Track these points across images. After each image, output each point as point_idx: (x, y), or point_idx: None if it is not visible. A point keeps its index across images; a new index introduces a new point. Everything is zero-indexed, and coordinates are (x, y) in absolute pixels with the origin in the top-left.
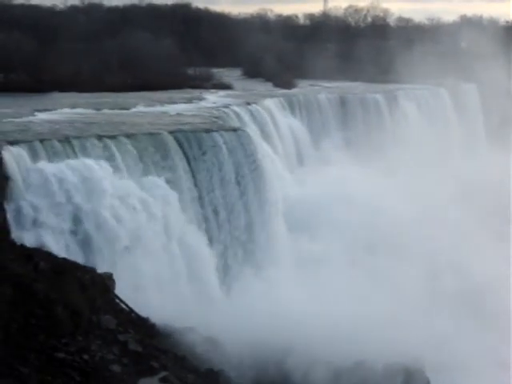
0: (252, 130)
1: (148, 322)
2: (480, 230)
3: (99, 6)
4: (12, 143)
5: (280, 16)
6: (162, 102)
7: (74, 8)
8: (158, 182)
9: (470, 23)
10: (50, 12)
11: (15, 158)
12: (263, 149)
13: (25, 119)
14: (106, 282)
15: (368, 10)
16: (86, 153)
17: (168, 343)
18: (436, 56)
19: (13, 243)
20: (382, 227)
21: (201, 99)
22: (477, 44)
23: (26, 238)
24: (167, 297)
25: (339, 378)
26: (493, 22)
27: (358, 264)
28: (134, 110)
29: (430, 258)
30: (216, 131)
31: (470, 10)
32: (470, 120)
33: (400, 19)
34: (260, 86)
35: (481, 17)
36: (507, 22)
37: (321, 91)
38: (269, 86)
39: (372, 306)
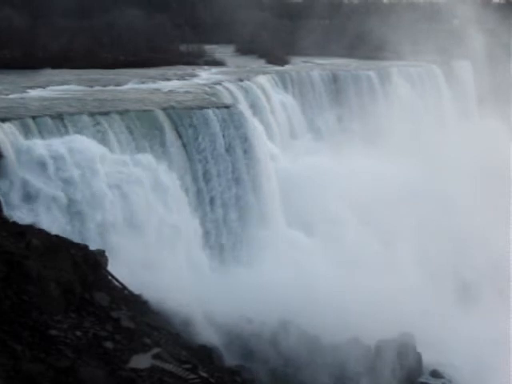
0: (244, 107)
1: (141, 299)
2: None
3: None
4: (3, 120)
5: None
6: (154, 79)
7: None
8: (150, 158)
9: (463, 0)
10: None
11: (7, 134)
12: (255, 125)
13: (17, 96)
14: (98, 259)
15: None
16: (78, 130)
17: (161, 320)
18: (429, 33)
19: (5, 220)
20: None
21: (193, 76)
22: (470, 21)
23: (18, 214)
24: (159, 273)
25: (335, 353)
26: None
27: None
28: (126, 86)
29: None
30: (208, 108)
31: None
32: (463, 96)
33: None
34: (253, 63)
35: None
36: None
37: (313, 68)
38: (261, 62)
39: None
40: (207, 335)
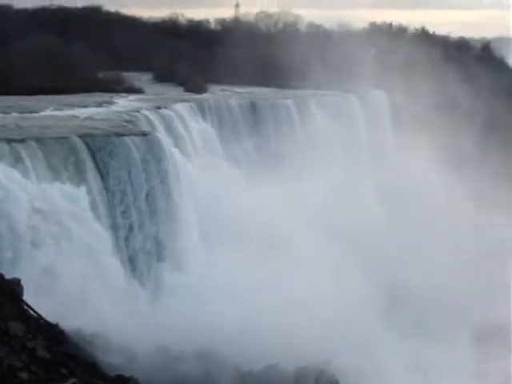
0: (162, 135)
1: (57, 329)
2: None
3: (7, 8)
4: None
5: (191, 21)
6: (71, 106)
7: None
8: (67, 186)
9: (379, 30)
10: None
11: None
12: (173, 153)
13: None
14: (14, 288)
15: (279, 16)
16: None
17: (78, 349)
18: (346, 63)
19: None
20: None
21: (111, 103)
22: (386, 51)
23: None
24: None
25: (248, 382)
26: (402, 30)
27: None
28: (43, 113)
29: None
30: (126, 135)
31: (380, 18)
32: (378, 125)
33: (311, 25)
34: (171, 91)
35: (390, 24)
36: (416, 29)
37: (232, 96)
38: (180, 90)
39: None
40: (125, 364)
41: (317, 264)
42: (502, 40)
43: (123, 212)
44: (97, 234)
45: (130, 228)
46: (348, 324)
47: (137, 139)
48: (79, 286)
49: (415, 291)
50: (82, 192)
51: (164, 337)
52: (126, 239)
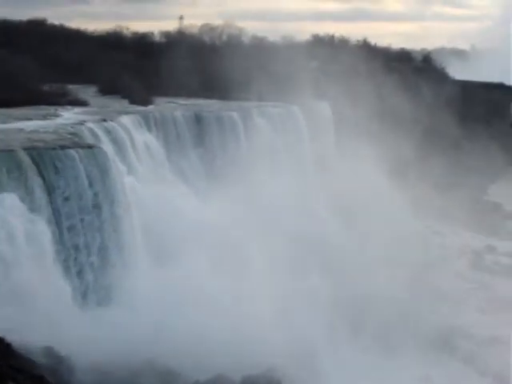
0: (107, 147)
1: (3, 342)
2: None
3: None
4: None
5: (136, 33)
6: (16, 119)
7: None
8: (11, 198)
9: (322, 42)
10: None
11: None
12: (118, 165)
13: None
14: None
15: (223, 28)
16: None
17: (26, 362)
18: (290, 74)
19: None
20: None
21: (56, 116)
22: (329, 62)
23: None
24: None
25: None
26: (344, 42)
27: None
28: None
29: None
30: (71, 148)
31: (322, 30)
32: (322, 136)
33: (255, 37)
34: (116, 103)
35: (332, 36)
36: (358, 41)
37: (177, 108)
38: (125, 103)
39: None
40: (72, 377)
41: (267, 273)
42: (442, 51)
43: (68, 226)
44: (42, 247)
45: (76, 241)
46: (296, 332)
47: (82, 152)
48: (25, 298)
49: (363, 301)
50: (26, 203)
51: (108, 349)
52: (72, 251)
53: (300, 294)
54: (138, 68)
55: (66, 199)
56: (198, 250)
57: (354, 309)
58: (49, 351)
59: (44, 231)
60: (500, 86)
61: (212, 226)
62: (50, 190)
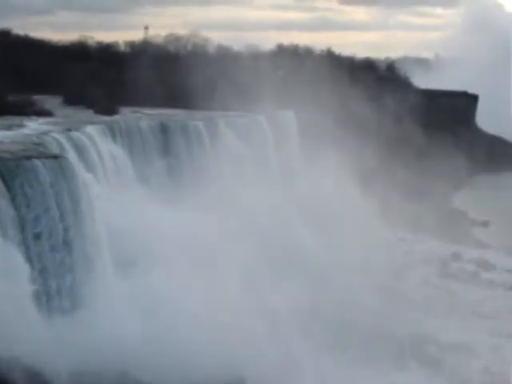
0: (73, 158)
1: None
2: None
3: None
4: None
5: (101, 43)
6: None
7: None
8: None
9: (286, 52)
10: None
11: None
12: (84, 175)
13: None
14: None
15: (188, 38)
16: None
17: None
18: (254, 83)
19: None
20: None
21: (21, 126)
22: (293, 71)
23: None
24: None
25: None
26: (308, 51)
27: None
28: None
29: None
30: (37, 158)
31: (287, 39)
32: (288, 145)
33: (219, 47)
34: (81, 113)
35: (297, 46)
36: (322, 50)
37: (142, 118)
38: (90, 113)
39: None
40: None
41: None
42: (406, 60)
43: (35, 235)
44: (8, 256)
45: (42, 251)
46: (264, 342)
47: (47, 162)
48: None
49: (332, 308)
50: None
51: (74, 359)
52: (38, 262)
53: (267, 304)
54: (103, 78)
55: (32, 209)
56: (163, 259)
57: (323, 316)
58: (14, 361)
59: (10, 241)
60: (464, 95)
61: (178, 235)
62: (14, 200)
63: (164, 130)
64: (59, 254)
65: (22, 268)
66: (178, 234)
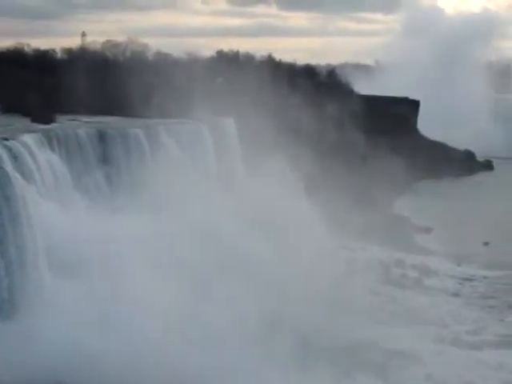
0: (9, 167)
1: None
2: None
3: None
4: None
5: (37, 50)
6: None
7: None
8: None
9: (226, 58)
10: None
11: None
12: (21, 185)
13: None
14: None
15: (126, 45)
16: None
17: None
18: (194, 90)
19: None
20: None
21: None
22: (234, 78)
23: None
24: None
25: None
26: (249, 57)
27: None
28: None
29: None
30: None
31: (227, 46)
32: (229, 153)
33: (158, 53)
34: (17, 122)
35: (237, 52)
36: (262, 56)
37: (80, 126)
38: (26, 121)
39: None
40: None
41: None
42: (346, 66)
43: None
44: None
45: None
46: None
47: None
48: None
49: (272, 318)
50: None
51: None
52: None
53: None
54: (39, 85)
55: None
56: (101, 266)
57: (261, 325)
58: None
59: None
60: (405, 101)
61: (117, 243)
62: None
63: (102, 137)
64: None
65: None
66: (117, 241)
